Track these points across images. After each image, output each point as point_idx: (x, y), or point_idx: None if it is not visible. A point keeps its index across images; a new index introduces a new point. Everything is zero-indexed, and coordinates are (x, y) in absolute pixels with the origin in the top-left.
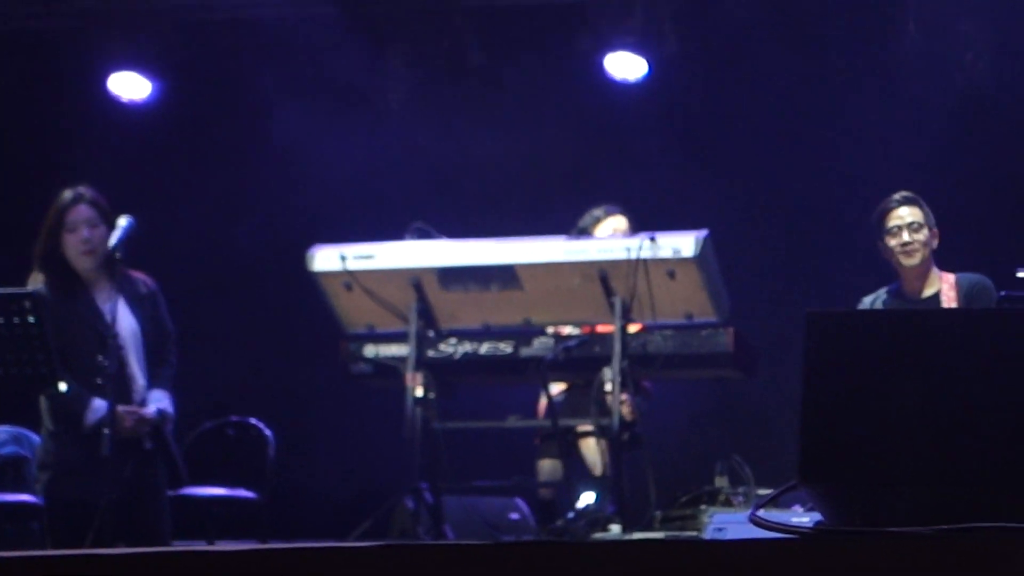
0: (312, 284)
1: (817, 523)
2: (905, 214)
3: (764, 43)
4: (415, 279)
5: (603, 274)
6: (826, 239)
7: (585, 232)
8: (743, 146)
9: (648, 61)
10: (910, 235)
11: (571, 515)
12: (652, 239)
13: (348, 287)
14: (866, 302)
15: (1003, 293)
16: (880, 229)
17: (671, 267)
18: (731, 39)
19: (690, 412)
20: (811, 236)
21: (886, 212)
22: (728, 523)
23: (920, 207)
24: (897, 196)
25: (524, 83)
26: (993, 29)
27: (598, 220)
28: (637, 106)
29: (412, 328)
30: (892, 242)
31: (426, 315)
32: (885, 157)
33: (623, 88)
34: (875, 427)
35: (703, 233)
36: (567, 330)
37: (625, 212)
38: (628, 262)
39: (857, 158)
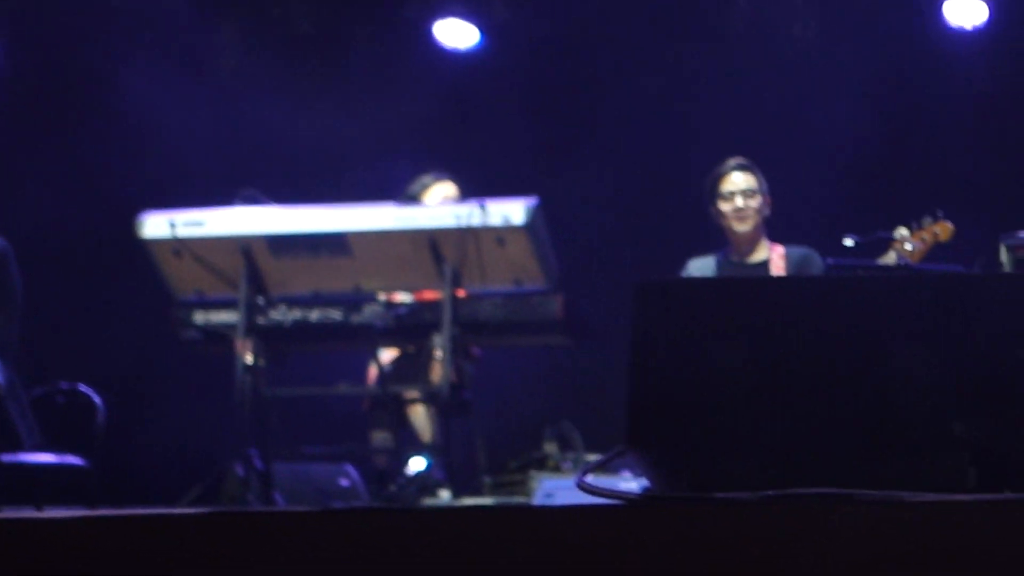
0: (142, 251)
1: (645, 489)
2: (739, 180)
3: (593, 8)
4: (245, 246)
5: (433, 241)
6: (658, 205)
7: (414, 199)
8: (575, 113)
9: (479, 28)
10: (744, 201)
11: (401, 481)
12: (482, 206)
13: (177, 254)
14: (694, 266)
15: (830, 261)
16: (713, 194)
17: (501, 234)
18: (561, 3)
19: (520, 379)
20: (642, 202)
21: (720, 177)
22: (557, 489)
23: (754, 173)
24: (732, 161)
25: (355, 50)
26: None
27: (426, 186)
28: (469, 73)
29: (242, 295)
30: (725, 207)
31: (256, 282)
32: (718, 124)
33: (455, 56)
34: (702, 394)
35: (533, 201)
36: (398, 297)
37: (453, 179)
38: (458, 229)
39: (689, 124)
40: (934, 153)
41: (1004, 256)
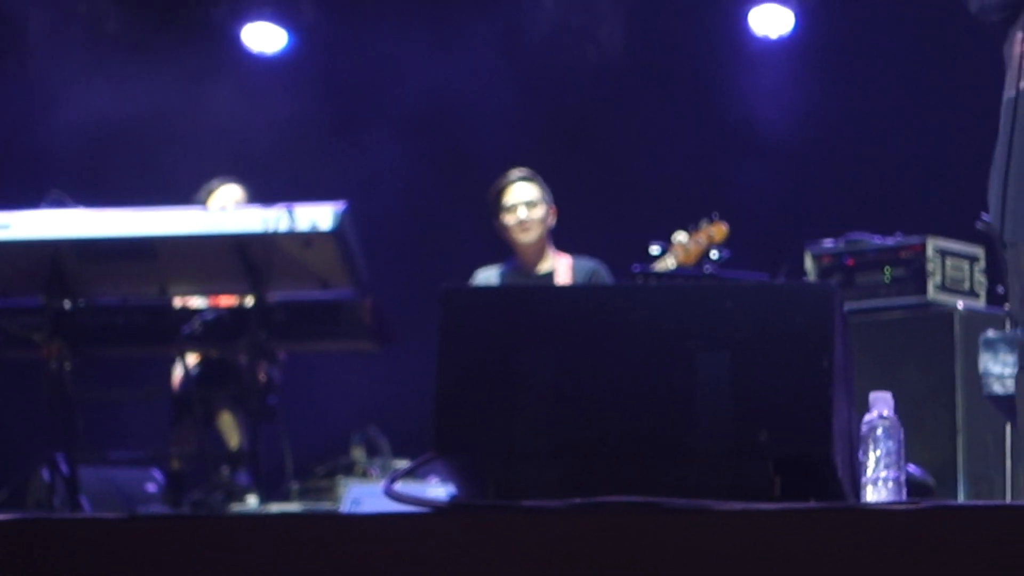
0: None
1: (452, 496)
2: (521, 192)
3: (399, 8)
4: (51, 249)
5: (240, 246)
6: (464, 210)
7: (202, 203)
8: (384, 118)
9: (288, 31)
10: (527, 212)
11: (207, 487)
12: (290, 211)
13: None
14: (480, 276)
15: (637, 268)
16: (496, 206)
17: (308, 239)
18: (370, 4)
19: (327, 384)
20: (449, 207)
21: (502, 189)
22: (365, 495)
23: (537, 184)
24: (513, 173)
25: (163, 53)
26: (628, 4)
27: (212, 191)
28: (278, 77)
29: (47, 299)
30: (508, 219)
31: (62, 286)
32: (513, 132)
33: (263, 60)
34: (508, 400)
35: (341, 205)
36: (202, 302)
37: (240, 181)
38: (265, 234)
39: (487, 132)
40: (740, 163)
41: (809, 264)
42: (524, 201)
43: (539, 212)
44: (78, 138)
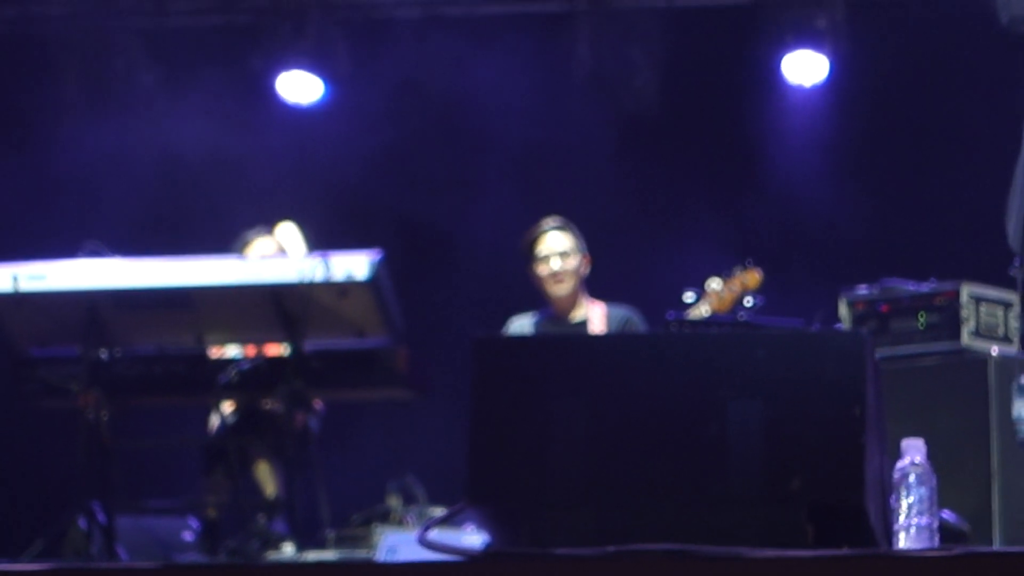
0: None
1: (486, 545)
2: (555, 242)
3: (433, 60)
4: (87, 300)
5: (276, 295)
6: (496, 262)
7: (239, 253)
8: (418, 170)
9: (324, 80)
10: (560, 263)
11: (242, 535)
12: (325, 260)
13: (19, 307)
14: (514, 324)
15: (671, 315)
16: (529, 256)
17: (344, 288)
18: (405, 57)
19: (363, 432)
20: (486, 256)
21: (535, 239)
22: (400, 543)
23: (571, 233)
24: (547, 223)
25: (198, 103)
26: (663, 55)
27: (248, 242)
28: (317, 126)
29: (84, 349)
30: (542, 269)
31: (99, 336)
32: (547, 181)
33: (299, 111)
34: (541, 449)
35: (377, 254)
36: (239, 351)
37: (272, 232)
38: (301, 284)
39: (518, 183)
40: (775, 209)
41: (843, 310)
42: (558, 252)
43: (572, 263)
44: (115, 190)
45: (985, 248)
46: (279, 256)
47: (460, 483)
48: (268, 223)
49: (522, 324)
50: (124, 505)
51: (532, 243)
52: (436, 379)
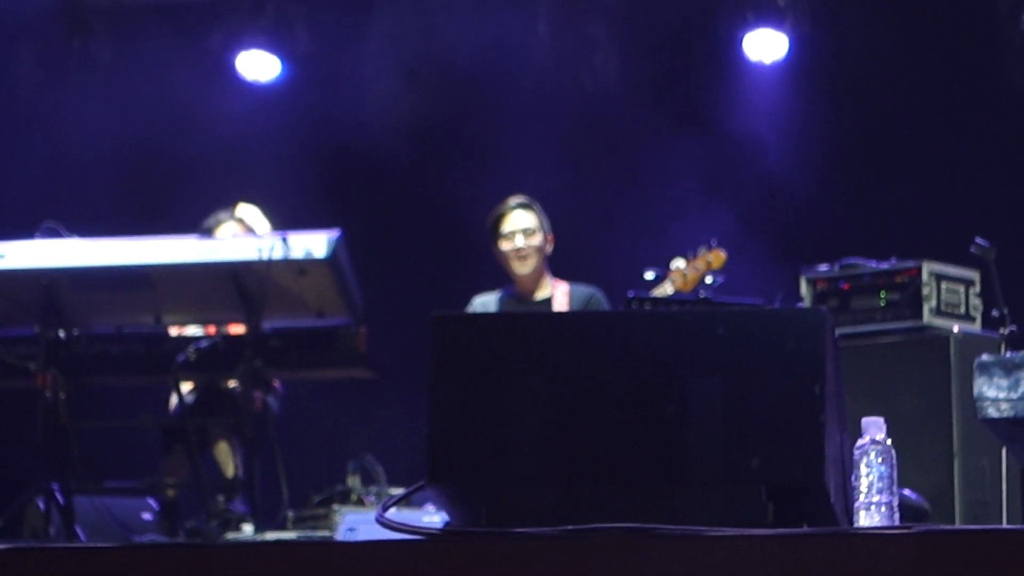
0: None
1: (446, 524)
2: (519, 219)
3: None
4: (45, 279)
5: (235, 274)
6: (461, 236)
7: (209, 233)
8: (373, 148)
9: (281, 59)
10: (524, 240)
11: (202, 515)
12: (284, 239)
13: None
14: (478, 302)
15: (632, 294)
16: (494, 233)
17: (303, 267)
18: (361, 33)
19: (323, 412)
20: (446, 235)
21: (500, 217)
22: (360, 523)
23: (535, 211)
24: (512, 200)
25: (155, 81)
26: (622, 32)
27: (220, 222)
28: (271, 106)
29: (42, 328)
30: (506, 246)
31: (57, 315)
32: (506, 158)
33: (255, 89)
34: (500, 428)
35: (335, 233)
36: (197, 330)
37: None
38: (260, 262)
39: (478, 159)
40: (736, 188)
41: (804, 288)
42: (521, 229)
43: (536, 240)
44: (74, 167)
45: (946, 226)
46: (254, 235)
47: (420, 462)
48: (228, 202)
49: (485, 302)
50: (83, 486)
51: (497, 221)
52: (396, 358)
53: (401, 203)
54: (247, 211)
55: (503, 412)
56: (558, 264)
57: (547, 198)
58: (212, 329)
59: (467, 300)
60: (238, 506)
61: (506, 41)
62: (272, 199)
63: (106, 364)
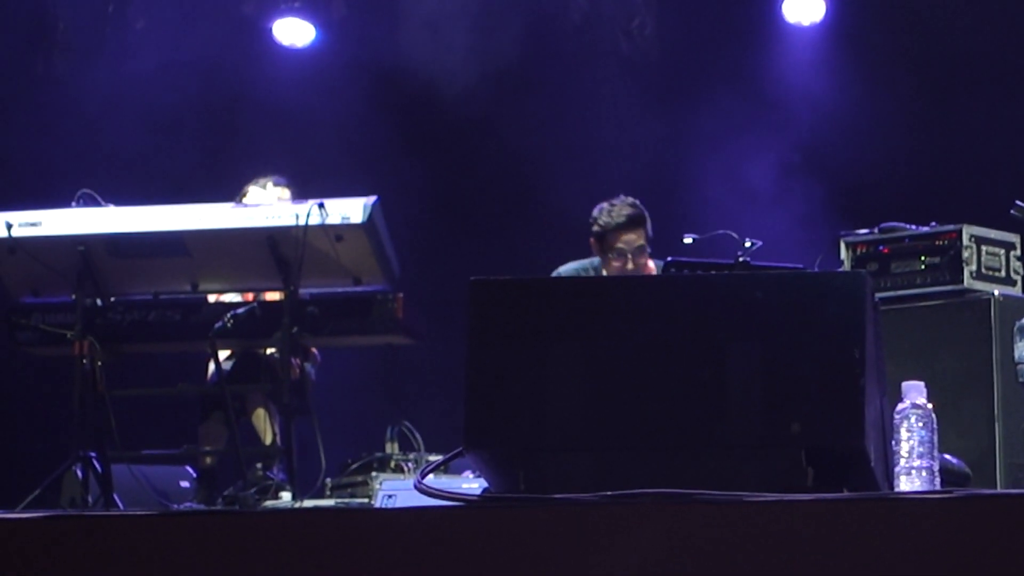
0: None
1: (484, 490)
2: (633, 239)
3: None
4: (81, 246)
5: (271, 240)
6: (496, 205)
7: (241, 199)
8: (416, 116)
9: (316, 26)
10: (634, 261)
11: (240, 483)
12: (320, 205)
13: (13, 253)
14: (567, 269)
15: (669, 259)
16: (603, 243)
17: (340, 233)
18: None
19: (360, 378)
20: (481, 206)
21: (614, 232)
22: (398, 490)
23: (644, 227)
24: (624, 212)
25: (192, 47)
26: None
27: (254, 186)
28: (308, 72)
29: (78, 296)
30: (615, 263)
31: (93, 283)
32: (548, 123)
33: (292, 53)
34: (539, 394)
35: (372, 199)
36: (234, 297)
37: (289, 184)
38: (296, 228)
39: (521, 126)
40: (776, 152)
41: (843, 253)
42: (634, 248)
43: (644, 258)
44: (111, 135)
45: (987, 189)
46: (291, 201)
47: (458, 429)
48: (267, 171)
49: (578, 269)
50: (120, 454)
51: (608, 233)
52: (433, 324)
53: (441, 166)
54: (278, 194)
55: (540, 378)
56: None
57: (580, 172)
58: (250, 296)
59: (509, 264)
60: (276, 474)
61: (542, 8)
62: (310, 165)
63: (143, 331)
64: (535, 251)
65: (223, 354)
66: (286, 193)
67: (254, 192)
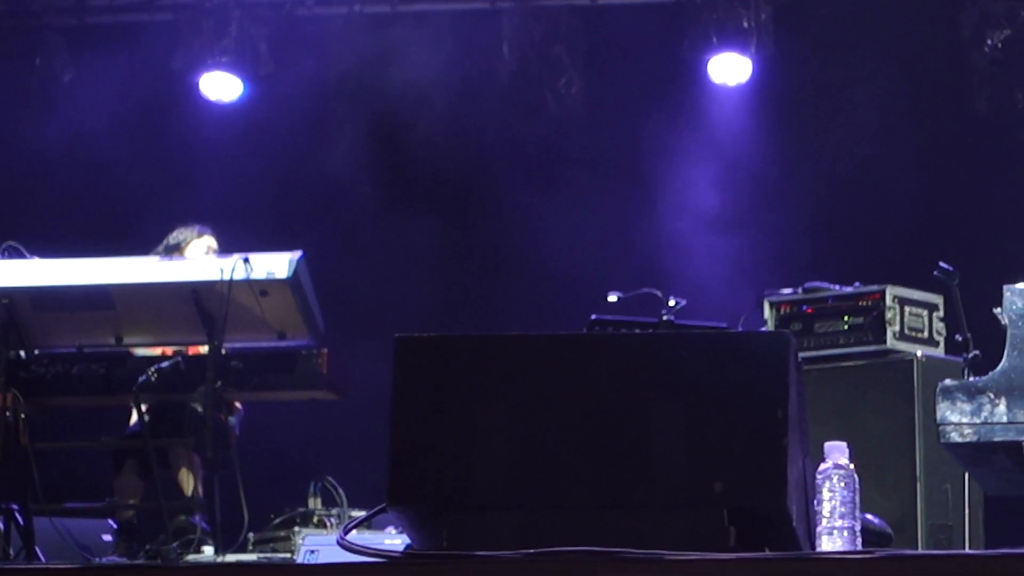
0: None
1: (407, 547)
2: None
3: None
4: (6, 299)
5: (196, 294)
6: (425, 263)
7: (175, 250)
8: (336, 169)
9: (244, 80)
10: None
11: (162, 537)
12: (246, 260)
13: None
14: None
15: (593, 316)
16: None
17: (264, 287)
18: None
19: (284, 433)
20: (406, 256)
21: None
22: (321, 545)
23: None
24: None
25: (117, 100)
26: (586, 54)
27: (188, 240)
28: (233, 127)
29: (2, 348)
30: None
31: (16, 335)
32: (471, 181)
33: (218, 109)
34: (463, 451)
35: (297, 254)
36: (159, 351)
37: (213, 232)
38: (221, 283)
39: (443, 181)
40: (698, 208)
41: (767, 312)
42: None
43: None
44: (34, 187)
45: (909, 250)
46: (217, 255)
47: (381, 485)
48: (190, 222)
49: None
50: (43, 507)
51: None
52: (357, 380)
53: (362, 224)
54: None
55: (464, 435)
56: (521, 288)
57: (505, 228)
58: (169, 351)
59: (428, 321)
60: (199, 521)
61: (472, 61)
62: (232, 219)
63: (67, 384)
64: (459, 306)
65: (146, 407)
66: (213, 242)
67: (196, 245)
